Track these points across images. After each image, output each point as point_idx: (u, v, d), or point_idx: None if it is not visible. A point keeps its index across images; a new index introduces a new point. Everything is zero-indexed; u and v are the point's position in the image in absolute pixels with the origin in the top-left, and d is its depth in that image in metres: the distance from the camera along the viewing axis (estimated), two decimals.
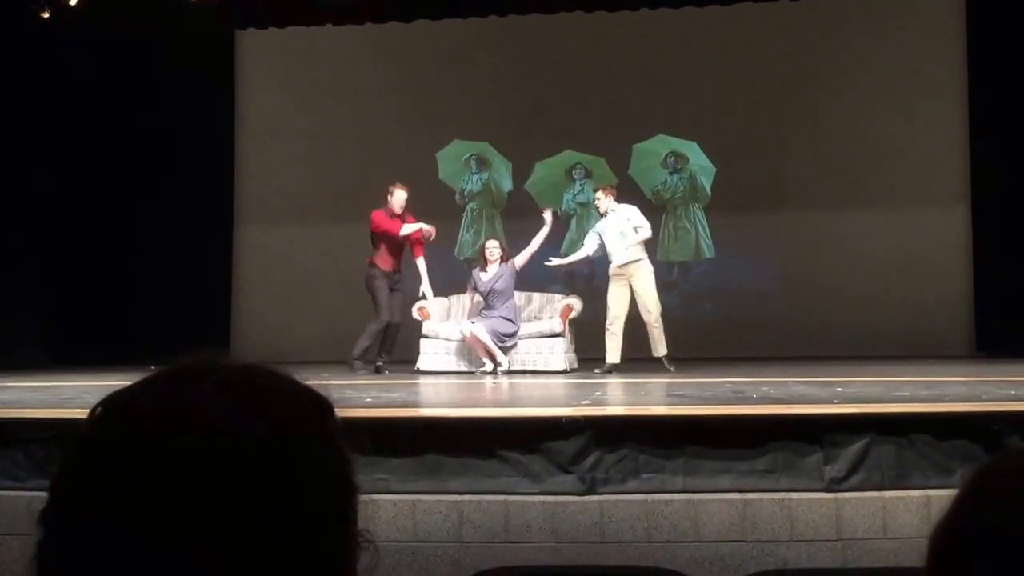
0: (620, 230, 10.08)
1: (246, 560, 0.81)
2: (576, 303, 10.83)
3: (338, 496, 0.89)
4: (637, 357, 9.99)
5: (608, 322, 10.01)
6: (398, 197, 10.68)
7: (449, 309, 11.26)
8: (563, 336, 10.49)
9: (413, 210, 10.88)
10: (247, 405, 0.86)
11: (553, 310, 10.94)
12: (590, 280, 12.96)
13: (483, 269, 10.71)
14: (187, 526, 0.80)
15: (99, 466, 0.83)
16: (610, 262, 10.12)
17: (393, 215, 10.70)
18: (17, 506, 5.50)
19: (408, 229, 10.66)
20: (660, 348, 9.96)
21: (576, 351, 10.76)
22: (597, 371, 9.89)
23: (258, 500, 0.82)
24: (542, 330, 10.61)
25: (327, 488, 0.88)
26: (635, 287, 9.99)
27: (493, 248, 10.74)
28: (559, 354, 10.41)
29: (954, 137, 12.63)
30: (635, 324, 10.05)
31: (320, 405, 0.92)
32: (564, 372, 10.23)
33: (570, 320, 10.68)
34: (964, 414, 5.63)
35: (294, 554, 0.83)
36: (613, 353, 9.99)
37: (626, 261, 10.02)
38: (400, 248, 10.79)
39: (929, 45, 12.84)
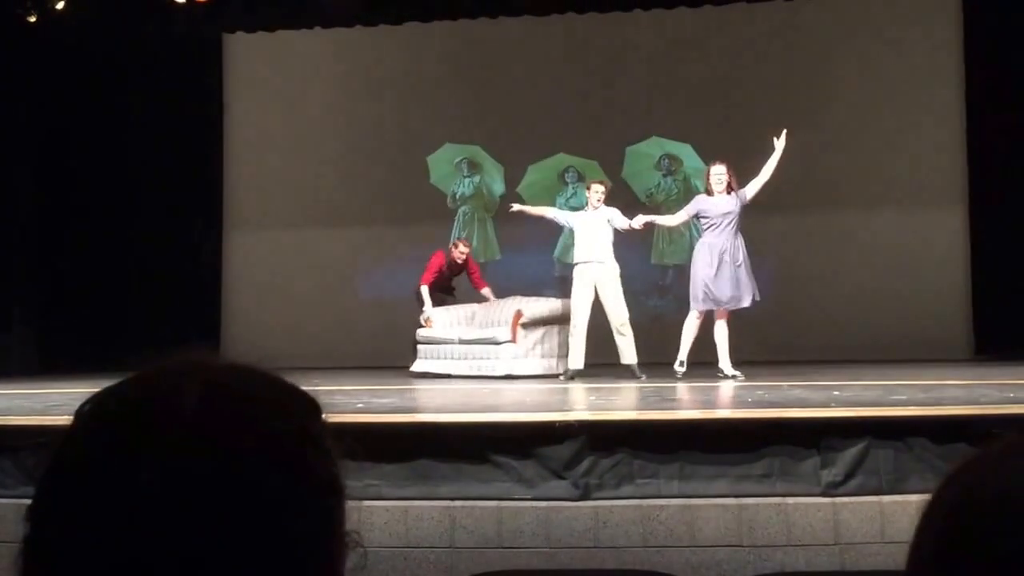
0: (599, 229, 9.77)
1: (230, 559, 0.80)
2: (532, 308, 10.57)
3: (324, 496, 0.88)
4: (646, 361, 9.84)
5: (573, 324, 9.74)
6: (460, 252, 11.20)
7: (449, 319, 11.15)
8: (512, 343, 10.22)
9: (406, 212, 10.83)
10: (233, 404, 0.86)
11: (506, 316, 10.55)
12: None
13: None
14: (170, 524, 0.79)
15: (86, 463, 0.83)
16: (575, 260, 9.86)
17: (452, 267, 11.17)
18: (6, 514, 5.44)
19: (425, 294, 10.95)
20: (630, 356, 9.63)
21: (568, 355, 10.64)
22: (562, 376, 9.66)
23: (243, 499, 0.81)
24: (491, 336, 10.40)
25: (312, 488, 0.86)
26: (602, 290, 9.66)
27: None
28: (507, 360, 10.17)
29: (951, 138, 12.54)
30: (642, 326, 9.93)
31: (306, 404, 0.92)
32: (508, 378, 9.94)
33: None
34: (963, 417, 5.59)
35: (279, 554, 0.82)
36: (578, 359, 9.69)
37: (596, 260, 9.72)
38: (442, 285, 11.23)
39: (925, 44, 12.76)
